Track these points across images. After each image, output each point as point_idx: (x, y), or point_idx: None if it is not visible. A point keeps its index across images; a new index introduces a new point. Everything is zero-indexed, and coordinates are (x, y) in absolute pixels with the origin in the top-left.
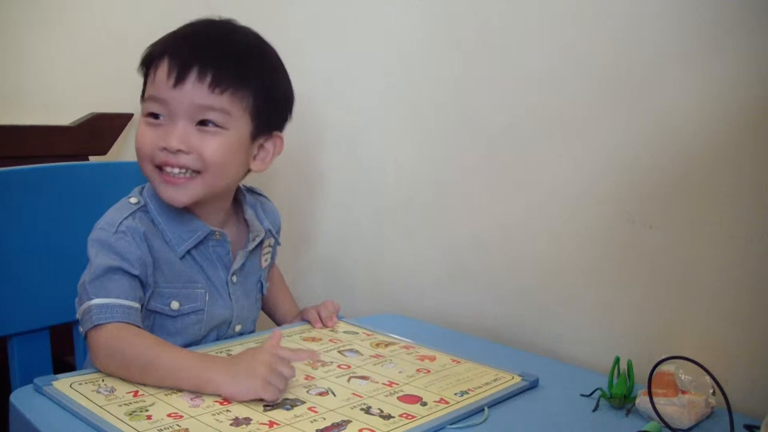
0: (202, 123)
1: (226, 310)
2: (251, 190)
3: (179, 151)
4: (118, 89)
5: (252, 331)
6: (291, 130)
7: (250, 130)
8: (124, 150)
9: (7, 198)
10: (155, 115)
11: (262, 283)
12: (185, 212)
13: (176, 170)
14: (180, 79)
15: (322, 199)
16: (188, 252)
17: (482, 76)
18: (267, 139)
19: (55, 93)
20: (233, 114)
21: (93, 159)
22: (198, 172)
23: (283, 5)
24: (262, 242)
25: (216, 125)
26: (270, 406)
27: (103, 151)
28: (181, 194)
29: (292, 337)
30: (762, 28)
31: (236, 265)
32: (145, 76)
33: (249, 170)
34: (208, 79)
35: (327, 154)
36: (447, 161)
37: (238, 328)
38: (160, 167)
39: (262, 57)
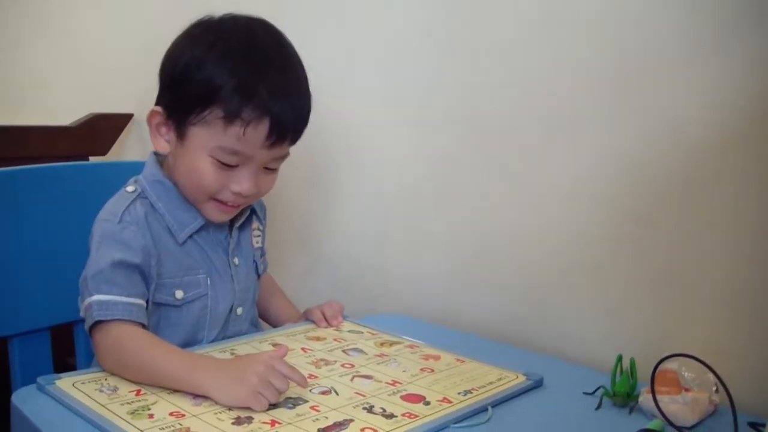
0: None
1: (229, 293)
2: None
3: None
4: (118, 89)
5: (252, 315)
6: None
7: None
8: (123, 150)
9: (8, 198)
10: (228, 164)
11: (256, 263)
12: (185, 200)
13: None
14: (278, 143)
15: (324, 199)
16: (190, 236)
17: (486, 76)
18: None
19: (55, 93)
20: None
21: (93, 159)
22: None
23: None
24: (250, 222)
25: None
26: (272, 405)
27: (103, 152)
28: (228, 217)
29: (296, 336)
30: (764, 29)
31: (233, 244)
32: (216, 112)
33: None
34: (295, 137)
35: (329, 154)
36: (450, 161)
37: (239, 311)
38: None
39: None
